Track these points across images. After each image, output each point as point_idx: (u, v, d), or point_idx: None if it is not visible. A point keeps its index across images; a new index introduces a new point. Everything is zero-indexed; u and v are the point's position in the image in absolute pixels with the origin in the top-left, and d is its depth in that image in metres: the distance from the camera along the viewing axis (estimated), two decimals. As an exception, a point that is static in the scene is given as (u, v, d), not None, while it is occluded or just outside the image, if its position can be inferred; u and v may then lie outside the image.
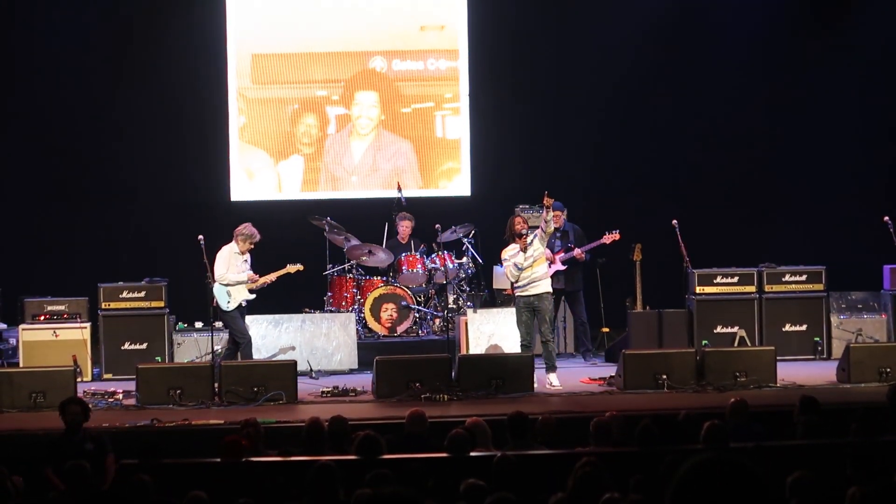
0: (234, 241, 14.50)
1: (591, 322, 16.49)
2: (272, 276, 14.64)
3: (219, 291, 14.39)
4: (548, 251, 15.30)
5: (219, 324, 15.43)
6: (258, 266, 14.69)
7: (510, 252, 13.96)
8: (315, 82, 18.16)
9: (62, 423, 10.49)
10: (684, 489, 3.31)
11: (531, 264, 13.84)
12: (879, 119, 18.59)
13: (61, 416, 10.52)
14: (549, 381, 13.82)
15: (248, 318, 15.17)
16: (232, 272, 14.36)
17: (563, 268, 15.91)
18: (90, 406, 11.02)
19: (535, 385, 13.62)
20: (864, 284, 16.50)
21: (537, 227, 14.05)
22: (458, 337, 15.42)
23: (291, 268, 14.82)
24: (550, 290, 14.10)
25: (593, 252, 16.12)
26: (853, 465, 7.85)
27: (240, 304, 14.43)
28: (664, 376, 13.51)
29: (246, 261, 14.53)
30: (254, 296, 14.59)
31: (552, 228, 14.21)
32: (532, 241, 13.83)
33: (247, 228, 14.47)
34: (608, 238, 15.85)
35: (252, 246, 14.50)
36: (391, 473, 7.82)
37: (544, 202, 13.64)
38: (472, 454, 9.23)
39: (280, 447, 9.97)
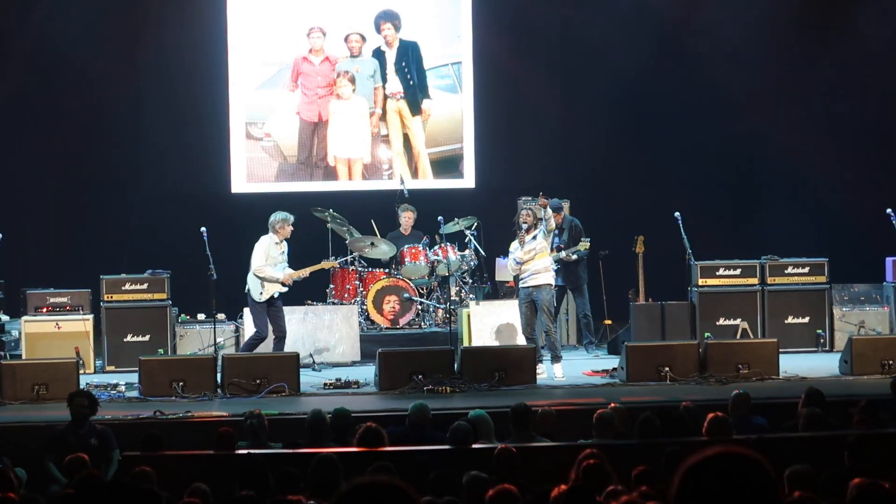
0: (270, 232, 14.47)
1: (595, 314, 16.48)
2: (306, 271, 14.66)
3: (252, 282, 14.40)
4: None
5: (221, 315, 15.46)
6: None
7: (513, 246, 14.04)
8: (316, 72, 18.13)
9: (69, 414, 10.48)
10: (692, 481, 3.31)
11: (532, 257, 13.88)
12: (883, 111, 18.56)
13: (69, 407, 10.52)
14: (554, 371, 13.85)
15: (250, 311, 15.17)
16: (270, 264, 14.34)
17: (555, 266, 15.90)
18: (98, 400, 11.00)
19: (539, 372, 13.65)
20: (866, 277, 16.48)
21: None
22: (460, 329, 15.42)
23: (327, 263, 14.95)
24: (551, 282, 14.12)
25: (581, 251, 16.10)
26: (854, 457, 7.85)
27: (272, 296, 14.42)
28: (667, 368, 13.51)
29: (283, 252, 14.51)
30: (286, 288, 14.57)
31: (553, 225, 14.22)
32: (535, 235, 13.85)
33: (279, 214, 14.46)
34: (581, 246, 15.88)
35: (292, 228, 14.44)
36: (392, 465, 7.83)
37: (540, 202, 13.69)
38: (475, 446, 9.24)
39: (282, 439, 9.99)
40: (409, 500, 3.35)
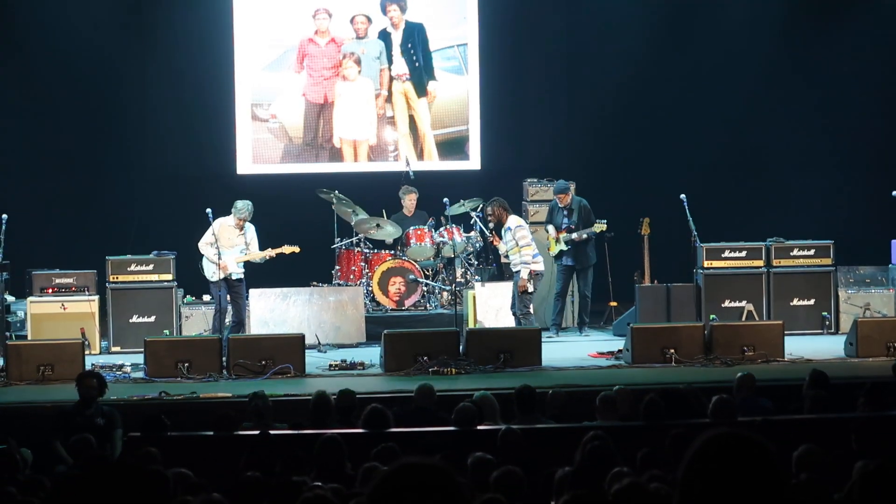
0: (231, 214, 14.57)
1: (600, 296, 16.48)
2: (263, 254, 14.62)
3: (205, 261, 14.43)
4: (552, 229, 15.69)
5: (227, 297, 15.44)
6: (261, 238, 14.71)
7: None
8: (322, 54, 18.11)
9: (77, 394, 10.48)
10: (698, 463, 3.31)
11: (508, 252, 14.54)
12: (890, 93, 18.52)
13: (77, 387, 10.50)
14: None
15: (256, 292, 15.17)
16: (225, 245, 14.36)
17: (565, 247, 15.93)
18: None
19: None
20: (872, 259, 16.48)
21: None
22: (465, 310, 15.42)
23: (287, 248, 14.80)
24: (527, 270, 14.19)
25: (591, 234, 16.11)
26: (860, 439, 7.85)
27: (227, 277, 14.42)
28: (672, 350, 13.51)
29: (242, 234, 14.50)
30: (242, 270, 14.58)
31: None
32: (504, 237, 14.51)
33: (239, 202, 14.48)
34: (597, 227, 15.91)
35: (242, 221, 14.48)
36: (398, 447, 7.83)
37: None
38: (480, 428, 9.25)
39: (287, 420, 9.99)
40: (454, 484, 3.31)
